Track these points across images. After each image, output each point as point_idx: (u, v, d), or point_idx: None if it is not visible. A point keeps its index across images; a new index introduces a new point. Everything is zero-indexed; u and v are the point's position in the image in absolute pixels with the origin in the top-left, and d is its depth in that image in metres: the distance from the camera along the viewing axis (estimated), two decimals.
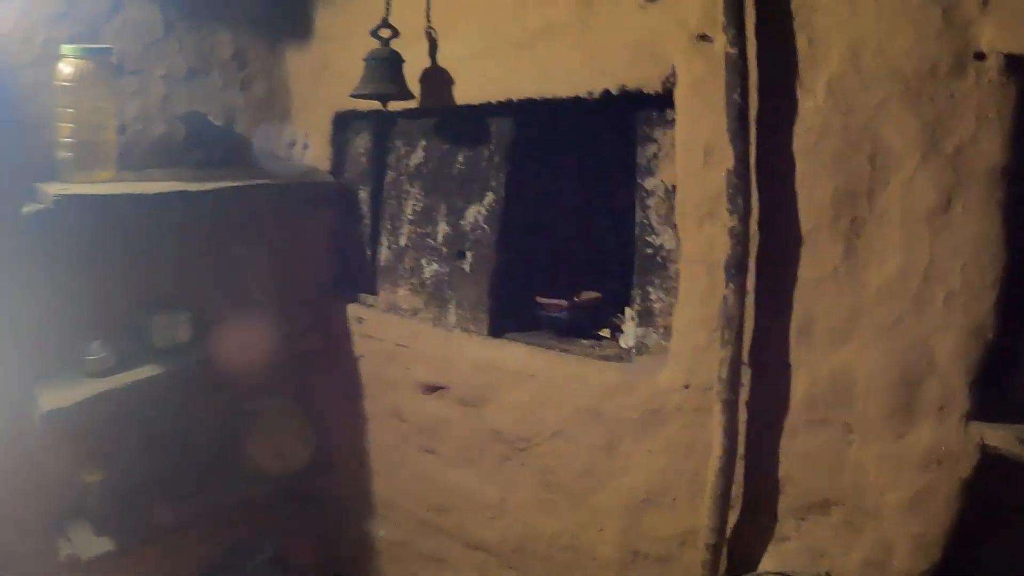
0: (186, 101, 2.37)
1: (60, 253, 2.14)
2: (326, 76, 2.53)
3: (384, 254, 2.51)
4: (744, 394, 1.58)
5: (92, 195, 1.96)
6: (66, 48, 2.02)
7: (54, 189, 1.93)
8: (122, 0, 2.26)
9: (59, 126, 2.02)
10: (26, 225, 1.98)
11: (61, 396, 2.06)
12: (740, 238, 1.49)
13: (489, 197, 2.17)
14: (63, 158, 2.03)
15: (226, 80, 2.47)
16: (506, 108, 2.06)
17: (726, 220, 1.51)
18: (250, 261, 2.48)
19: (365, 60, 2.08)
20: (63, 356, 2.15)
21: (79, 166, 2.03)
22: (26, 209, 1.96)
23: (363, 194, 2.56)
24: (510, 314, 2.21)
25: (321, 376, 2.63)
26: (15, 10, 2.08)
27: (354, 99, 2.17)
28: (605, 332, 2.14)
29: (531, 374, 2.01)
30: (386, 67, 2.05)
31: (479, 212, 2.20)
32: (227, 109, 2.47)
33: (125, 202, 2.03)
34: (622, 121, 1.92)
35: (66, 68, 2.00)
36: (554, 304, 2.13)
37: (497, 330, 2.19)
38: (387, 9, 2.10)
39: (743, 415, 1.59)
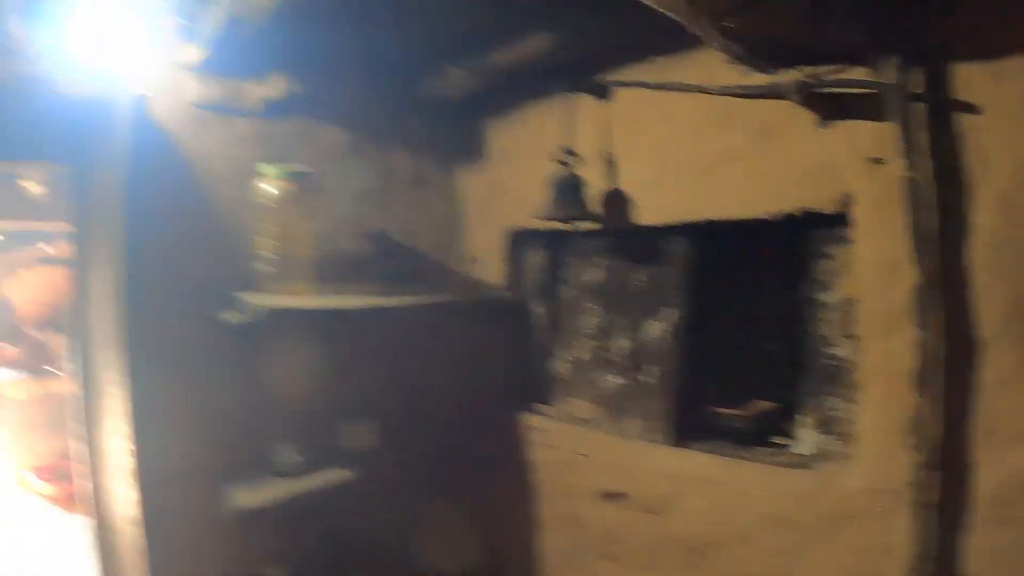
0: (371, 218, 2.95)
1: (258, 359, 2.74)
2: (500, 195, 3.12)
3: (560, 366, 3.01)
4: (931, 496, 1.94)
5: (292, 307, 2.53)
6: (267, 168, 2.66)
7: (257, 300, 2.52)
8: (313, 124, 2.87)
9: (259, 240, 2.64)
10: (228, 332, 2.59)
11: (253, 494, 2.62)
12: (925, 348, 1.90)
13: (668, 313, 2.69)
14: (263, 270, 2.63)
15: (406, 199, 3.06)
16: (683, 228, 2.58)
17: (911, 332, 1.93)
18: (431, 371, 3.01)
19: (550, 184, 2.62)
20: (255, 455, 2.72)
21: (278, 278, 2.63)
22: (229, 317, 2.55)
23: (537, 308, 3.09)
24: (689, 423, 2.67)
25: (495, 482, 3.12)
26: (218, 132, 2.72)
27: (528, 217, 2.72)
28: (781, 439, 2.52)
29: (714, 481, 2.45)
30: (570, 191, 2.61)
31: (658, 327, 2.72)
32: (408, 226, 3.07)
33: (321, 315, 2.60)
34: (792, 236, 2.40)
35: (267, 187, 2.64)
36: (731, 413, 2.55)
37: (678, 439, 2.65)
38: (568, 135, 2.65)
39: (931, 516, 1.94)
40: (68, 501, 6.25)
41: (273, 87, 2.77)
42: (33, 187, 4.59)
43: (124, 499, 2.48)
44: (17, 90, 2.60)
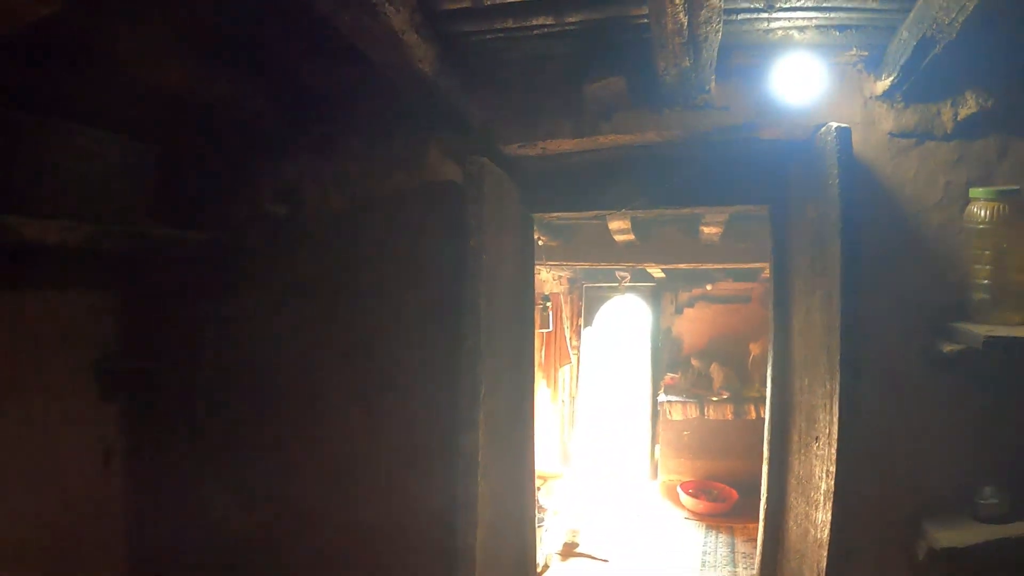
0: None
1: (969, 392, 2.50)
2: None
3: None
4: None
5: (1014, 337, 2.20)
6: (976, 191, 2.43)
7: (974, 328, 2.29)
8: (1007, 142, 2.53)
9: (972, 267, 2.41)
10: (940, 362, 2.44)
11: (950, 534, 2.37)
12: None
13: None
14: (978, 299, 2.38)
15: None
16: None
17: None
18: None
19: None
20: (956, 494, 2.47)
21: (994, 307, 2.36)
22: (947, 348, 2.37)
23: None
24: None
25: None
26: (913, 158, 2.58)
27: None
28: None
29: None
30: None
31: None
32: None
33: None
34: None
35: (978, 210, 2.38)
36: None
37: None
38: None
39: None
40: (705, 517, 6.61)
41: (965, 106, 2.54)
42: (708, 230, 4.87)
43: (815, 521, 2.42)
44: (714, 141, 2.84)
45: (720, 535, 6.27)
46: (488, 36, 2.54)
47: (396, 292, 2.99)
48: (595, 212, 3.66)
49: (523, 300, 3.24)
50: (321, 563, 3.06)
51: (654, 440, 7.81)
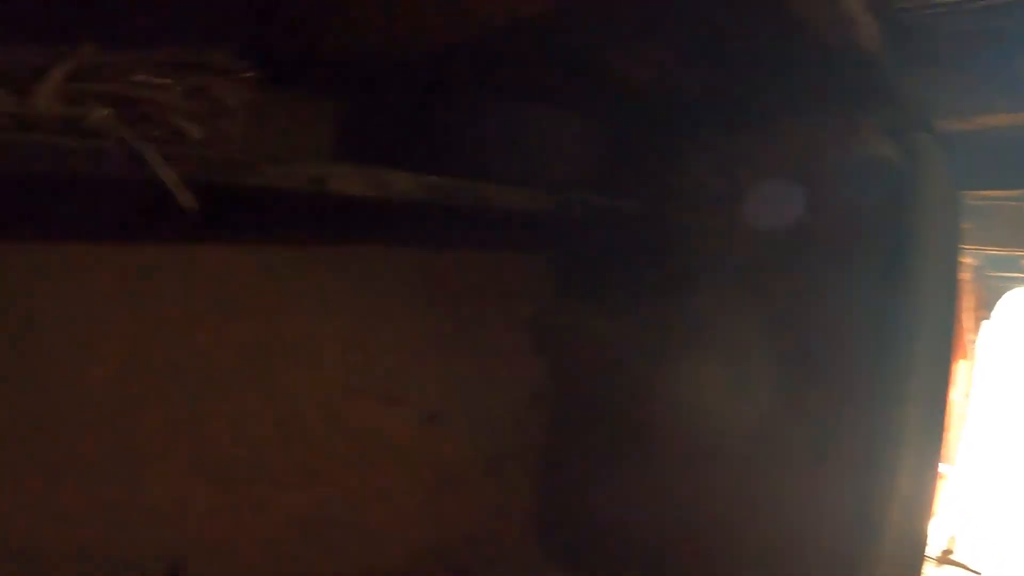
0: None
1: None
2: None
3: None
4: None
5: None
6: None
7: None
8: None
9: None
10: None
11: None
12: None
13: None
14: None
15: None
16: None
17: None
18: None
19: None
20: None
21: None
22: None
23: None
24: None
25: None
26: None
27: None
28: None
29: None
30: None
31: None
32: None
33: None
34: None
35: None
36: None
37: None
38: None
39: None
40: None
41: None
42: None
43: None
44: None
45: None
46: (925, 12, 2.46)
47: (827, 270, 2.93)
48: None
49: (950, 278, 3.11)
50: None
51: None
